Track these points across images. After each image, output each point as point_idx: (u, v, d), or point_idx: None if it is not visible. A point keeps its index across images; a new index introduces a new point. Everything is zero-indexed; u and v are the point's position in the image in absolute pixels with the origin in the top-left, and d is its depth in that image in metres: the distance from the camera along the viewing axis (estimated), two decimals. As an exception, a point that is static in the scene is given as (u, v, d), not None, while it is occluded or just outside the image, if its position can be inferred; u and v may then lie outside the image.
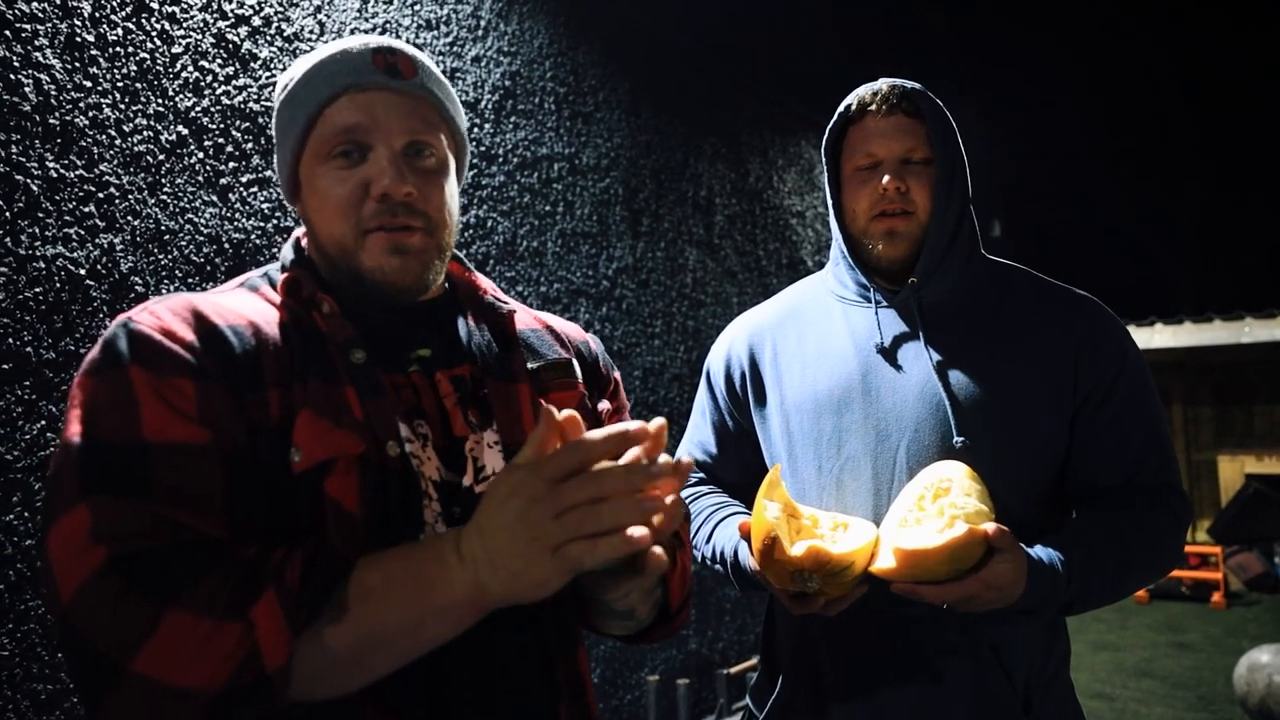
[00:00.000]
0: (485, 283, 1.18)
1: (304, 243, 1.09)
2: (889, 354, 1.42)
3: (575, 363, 1.19)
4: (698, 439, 1.66)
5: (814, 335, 1.51)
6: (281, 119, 1.06)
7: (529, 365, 1.13)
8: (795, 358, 1.51)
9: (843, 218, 1.49)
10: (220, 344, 0.91)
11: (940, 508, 1.20)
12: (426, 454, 0.99)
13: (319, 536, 0.88)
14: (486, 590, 0.80)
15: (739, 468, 1.59)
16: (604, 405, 1.22)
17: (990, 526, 1.16)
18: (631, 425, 0.81)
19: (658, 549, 0.84)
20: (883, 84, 1.46)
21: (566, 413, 0.85)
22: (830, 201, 1.52)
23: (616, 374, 1.28)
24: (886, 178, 1.40)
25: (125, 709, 0.77)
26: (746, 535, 1.30)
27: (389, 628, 0.81)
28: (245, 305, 0.98)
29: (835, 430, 1.41)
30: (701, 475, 1.64)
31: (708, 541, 1.49)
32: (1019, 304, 1.44)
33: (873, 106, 1.44)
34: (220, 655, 0.76)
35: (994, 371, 1.37)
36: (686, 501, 1.60)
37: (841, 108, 1.49)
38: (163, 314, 0.91)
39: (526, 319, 1.20)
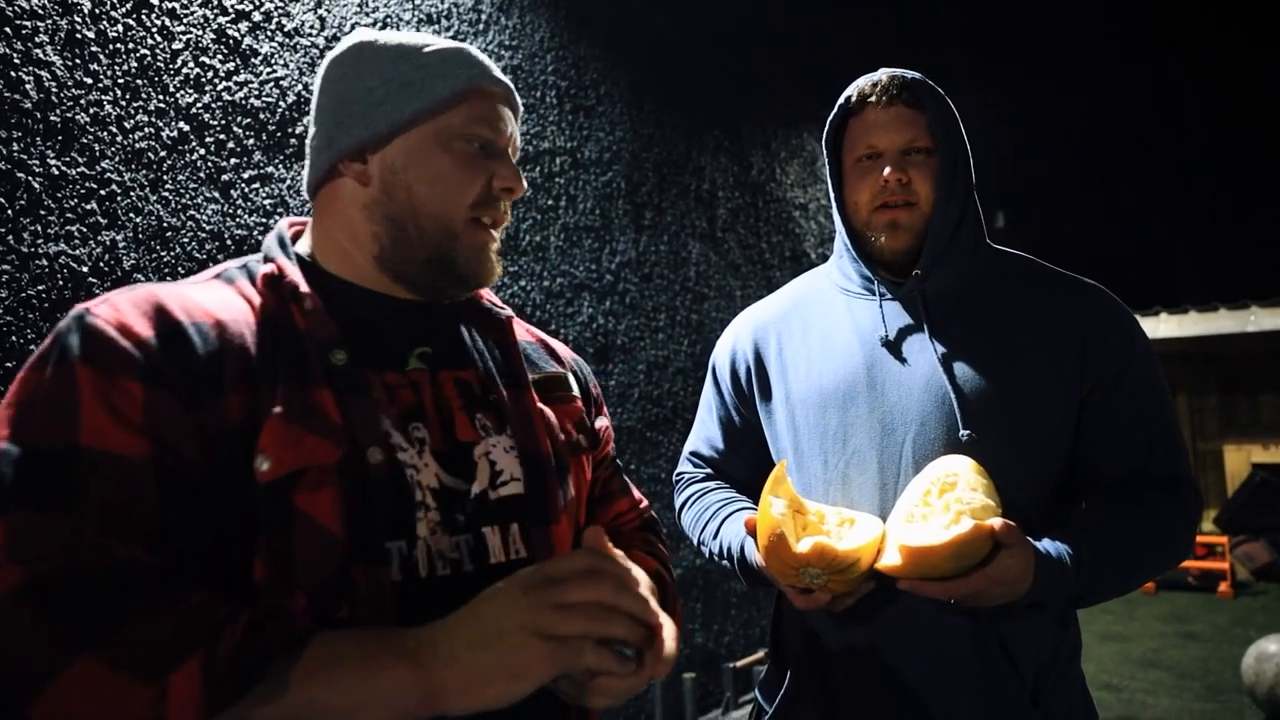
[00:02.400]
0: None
1: (288, 235, 1.05)
2: (894, 347, 1.41)
3: (571, 377, 1.20)
4: (704, 435, 1.66)
5: (818, 329, 1.50)
6: (399, 74, 1.02)
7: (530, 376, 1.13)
8: (800, 352, 1.50)
9: (845, 210, 1.48)
10: (180, 344, 0.85)
11: (946, 503, 1.18)
12: (423, 460, 0.95)
13: (274, 601, 0.81)
14: (439, 686, 0.75)
15: (746, 463, 1.59)
16: (601, 422, 1.23)
17: (996, 522, 1.14)
18: (637, 570, 0.83)
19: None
20: (882, 74, 1.44)
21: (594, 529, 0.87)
22: (832, 194, 1.50)
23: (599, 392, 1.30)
24: (888, 169, 1.39)
25: None
26: (752, 531, 1.29)
27: (318, 712, 0.73)
28: (215, 300, 0.92)
29: (841, 424, 1.40)
30: (709, 470, 1.64)
31: (715, 537, 1.49)
32: (1025, 294, 1.42)
33: (872, 98, 1.42)
34: None
35: (1000, 363, 1.35)
36: (695, 496, 1.60)
37: (841, 99, 1.47)
38: (122, 307, 0.86)
39: (521, 331, 1.20)
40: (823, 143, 1.51)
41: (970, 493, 1.19)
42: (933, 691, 1.32)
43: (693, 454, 1.68)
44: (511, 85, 1.08)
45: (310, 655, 0.74)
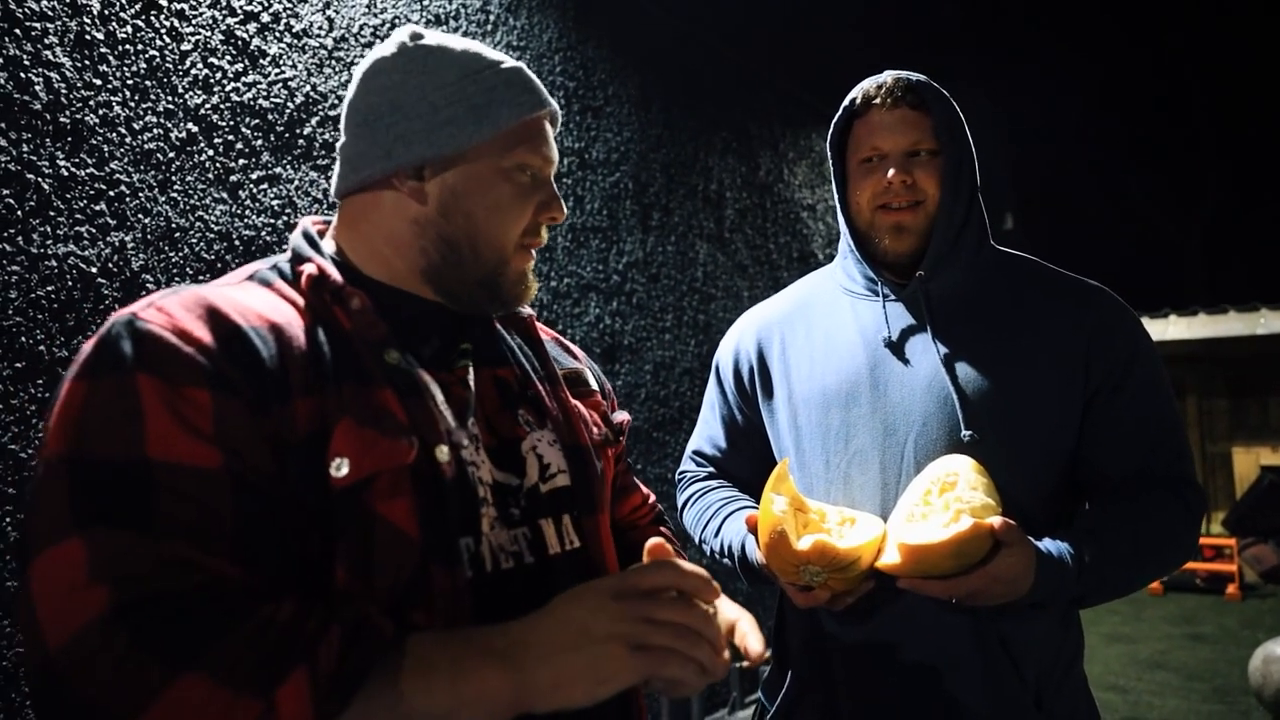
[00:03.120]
0: None
1: (313, 231, 1.05)
2: (897, 348, 1.41)
3: (588, 372, 1.23)
4: (707, 434, 1.66)
5: (822, 329, 1.51)
6: (465, 96, 1.00)
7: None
8: (803, 352, 1.51)
9: (848, 211, 1.48)
10: (243, 348, 0.83)
11: (946, 502, 1.19)
12: (480, 456, 0.96)
13: (360, 606, 0.79)
14: (529, 687, 0.76)
15: (749, 462, 1.59)
16: (620, 416, 1.24)
17: (996, 520, 1.15)
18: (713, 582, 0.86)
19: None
20: (887, 76, 1.43)
21: (654, 541, 0.91)
22: (837, 195, 1.50)
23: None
24: (891, 171, 1.39)
25: None
26: (753, 529, 1.30)
27: (416, 718, 0.74)
28: (262, 303, 0.90)
29: (843, 424, 1.41)
30: (711, 469, 1.64)
31: (716, 535, 1.49)
32: (1029, 295, 1.42)
33: (877, 100, 1.42)
34: None
35: (1002, 364, 1.35)
36: (697, 494, 1.60)
37: (846, 101, 1.47)
38: (175, 310, 0.83)
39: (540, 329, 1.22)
40: (828, 144, 1.51)
41: (970, 492, 1.19)
42: (935, 692, 1.32)
43: (695, 453, 1.68)
44: (557, 107, 1.09)
45: (404, 662, 0.75)
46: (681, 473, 1.70)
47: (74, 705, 0.69)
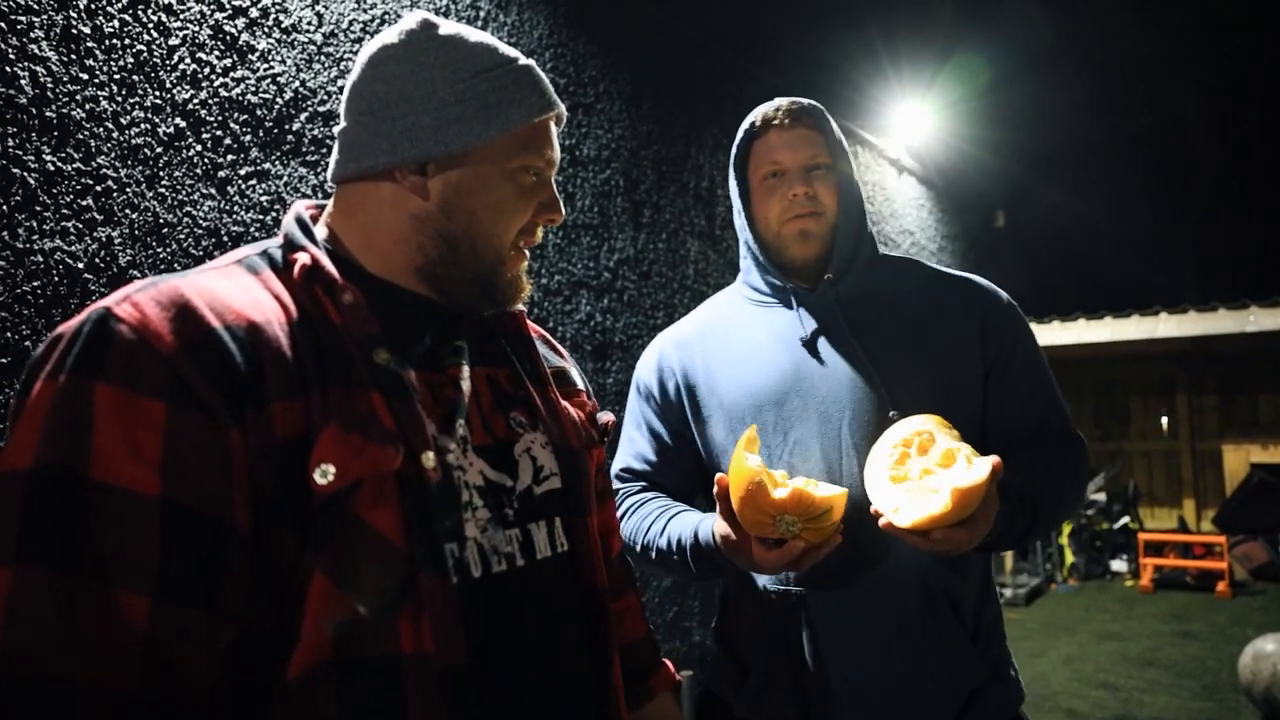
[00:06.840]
0: None
1: (306, 216, 1.00)
2: (814, 344, 1.51)
3: (574, 371, 1.23)
4: (635, 450, 1.67)
5: (739, 339, 1.59)
6: (476, 94, 0.98)
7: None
8: (726, 362, 1.57)
9: (754, 225, 1.58)
10: (213, 353, 0.79)
11: (946, 451, 1.25)
12: (468, 459, 0.95)
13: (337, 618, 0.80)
14: None
15: (679, 474, 1.64)
16: (606, 417, 1.25)
17: (995, 460, 1.21)
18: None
19: None
20: (783, 100, 1.57)
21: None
22: (739, 212, 1.59)
23: None
24: (797, 185, 1.51)
25: None
26: (723, 492, 1.30)
27: None
28: (244, 298, 0.86)
29: (778, 419, 1.48)
30: (644, 484, 1.66)
31: (662, 533, 1.51)
32: (924, 288, 1.57)
33: (776, 120, 1.54)
34: None
35: (913, 349, 1.49)
36: (632, 507, 1.61)
37: (746, 125, 1.58)
38: (148, 308, 0.79)
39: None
40: (730, 165, 1.63)
41: (955, 441, 1.26)
42: (894, 645, 1.42)
43: (623, 470, 1.68)
44: (564, 108, 1.07)
45: None
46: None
47: None
